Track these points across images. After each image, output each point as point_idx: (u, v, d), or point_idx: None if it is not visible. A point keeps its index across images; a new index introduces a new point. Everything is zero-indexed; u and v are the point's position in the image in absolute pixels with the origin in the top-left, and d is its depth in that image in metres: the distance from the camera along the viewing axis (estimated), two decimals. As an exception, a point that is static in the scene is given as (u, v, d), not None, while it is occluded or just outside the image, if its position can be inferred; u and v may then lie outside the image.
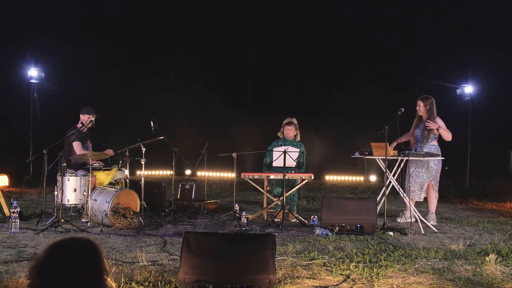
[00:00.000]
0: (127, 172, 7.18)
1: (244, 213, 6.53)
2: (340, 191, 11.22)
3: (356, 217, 6.05)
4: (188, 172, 12.91)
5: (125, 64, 13.54)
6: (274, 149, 6.93)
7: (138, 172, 11.33)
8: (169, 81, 14.24)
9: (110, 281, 2.07)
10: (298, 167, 7.08)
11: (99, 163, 6.94)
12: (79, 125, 7.00)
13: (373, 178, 13.02)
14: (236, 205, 7.09)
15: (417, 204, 7.21)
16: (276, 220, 6.71)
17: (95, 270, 2.03)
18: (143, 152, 7.03)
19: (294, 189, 6.92)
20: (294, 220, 6.86)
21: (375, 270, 4.29)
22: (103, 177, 6.92)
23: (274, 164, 6.88)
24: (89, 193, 6.37)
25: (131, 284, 3.79)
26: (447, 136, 6.83)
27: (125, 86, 13.63)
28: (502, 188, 10.30)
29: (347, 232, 5.95)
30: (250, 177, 6.90)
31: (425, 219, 6.67)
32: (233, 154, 7.03)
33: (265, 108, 14.20)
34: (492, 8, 12.47)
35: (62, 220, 6.07)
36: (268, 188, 7.15)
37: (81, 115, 7.07)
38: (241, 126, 13.95)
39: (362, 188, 11.49)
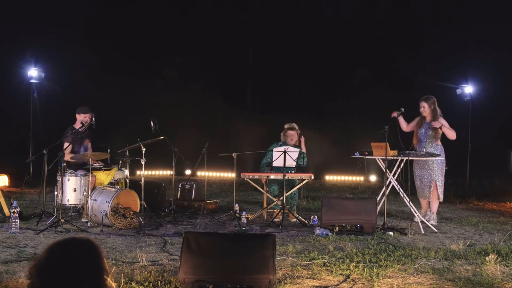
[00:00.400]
0: (127, 172, 7.17)
1: (244, 213, 6.54)
2: (340, 191, 11.22)
3: (356, 217, 6.05)
4: (188, 172, 12.90)
5: (125, 64, 13.53)
6: (274, 149, 6.93)
7: (138, 172, 11.33)
8: (169, 81, 14.23)
9: (110, 281, 2.07)
10: (298, 169, 7.09)
11: (99, 163, 6.94)
12: (78, 125, 7.00)
13: (373, 178, 13.01)
14: (236, 205, 7.09)
15: (417, 204, 7.21)
16: (276, 220, 6.71)
17: (95, 270, 2.03)
18: (143, 152, 7.03)
19: (294, 189, 6.91)
20: (294, 220, 6.86)
21: (375, 270, 4.29)
22: (103, 177, 6.92)
23: (274, 164, 6.88)
24: (89, 193, 6.37)
25: (131, 284, 3.79)
26: (451, 134, 6.86)
27: (125, 86, 13.62)
28: (502, 188, 10.30)
29: (347, 232, 5.95)
30: (250, 177, 6.90)
31: (425, 218, 6.67)
32: (233, 154, 7.03)
33: (265, 108, 14.20)
34: (492, 8, 12.46)
35: (62, 220, 6.07)
36: (267, 189, 7.15)
37: (77, 115, 7.06)
38: (241, 126, 13.94)
39: (362, 188, 11.49)
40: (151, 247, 5.11)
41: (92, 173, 6.55)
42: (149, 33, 14.25)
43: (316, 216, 6.62)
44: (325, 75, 14.29)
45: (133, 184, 7.18)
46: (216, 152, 7.52)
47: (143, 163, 7.10)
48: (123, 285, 3.77)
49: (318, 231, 5.91)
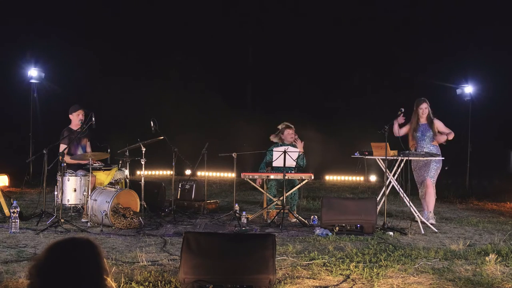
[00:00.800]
0: (127, 172, 7.17)
1: (244, 213, 6.54)
2: (340, 191, 11.22)
3: (356, 217, 6.05)
4: (188, 172, 12.91)
5: (125, 64, 13.54)
6: (274, 149, 6.92)
7: (138, 172, 11.33)
8: (169, 81, 14.24)
9: (110, 281, 2.07)
10: (298, 169, 7.09)
11: (99, 163, 6.94)
12: (74, 125, 7.00)
13: (373, 178, 13.02)
14: (236, 205, 7.09)
15: (418, 204, 7.21)
16: (275, 220, 6.71)
17: (95, 270, 2.03)
18: (143, 152, 7.03)
19: (294, 189, 6.91)
20: (294, 220, 6.86)
21: (375, 270, 4.29)
22: (103, 177, 6.92)
23: (274, 164, 6.88)
24: (89, 193, 6.37)
25: (131, 284, 3.79)
26: (451, 136, 6.93)
27: (125, 86, 13.63)
28: (502, 188, 10.30)
29: (347, 232, 5.95)
30: (250, 177, 6.90)
31: (424, 218, 6.67)
32: (233, 154, 7.03)
33: (265, 108, 14.20)
34: (492, 8, 12.46)
35: (62, 220, 6.07)
36: (266, 188, 7.14)
37: (70, 116, 7.05)
38: (241, 126, 13.95)
39: (362, 188, 11.49)
40: (151, 247, 5.11)
41: (92, 173, 6.55)
42: (149, 33, 14.25)
43: (316, 216, 6.62)
44: (325, 75, 14.29)
45: (133, 184, 7.18)
46: (216, 152, 7.52)
47: (143, 163, 7.10)
48: (123, 285, 3.77)
49: (318, 231, 5.91)
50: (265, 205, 7.18)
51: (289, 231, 6.17)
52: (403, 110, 6.79)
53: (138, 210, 6.46)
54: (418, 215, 6.51)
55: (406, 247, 5.23)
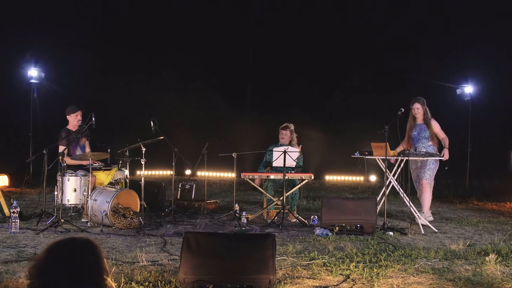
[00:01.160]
0: (127, 172, 7.17)
1: (244, 213, 6.54)
2: (340, 191, 11.22)
3: (356, 217, 6.05)
4: (188, 172, 12.91)
5: (125, 64, 13.53)
6: (274, 149, 6.93)
7: (138, 172, 11.33)
8: (169, 81, 14.23)
9: (110, 281, 2.07)
10: (296, 169, 7.09)
11: (99, 163, 6.94)
12: (71, 126, 7.00)
13: (373, 178, 13.01)
14: (236, 205, 7.09)
15: (418, 204, 7.21)
16: (275, 220, 6.71)
17: (95, 270, 2.03)
18: (143, 152, 7.04)
19: (294, 189, 6.91)
20: (294, 220, 6.86)
21: (375, 270, 4.29)
22: (103, 177, 6.92)
23: (274, 164, 6.88)
24: (89, 193, 6.37)
25: (131, 284, 3.79)
26: (445, 142, 6.94)
27: (125, 86, 13.63)
28: (502, 188, 10.30)
29: (347, 232, 5.95)
30: (250, 177, 6.90)
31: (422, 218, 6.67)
32: (233, 154, 7.03)
33: (266, 108, 14.20)
34: (492, 8, 12.46)
35: (62, 220, 6.07)
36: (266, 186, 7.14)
37: (67, 117, 7.04)
38: (241, 126, 13.94)
39: (362, 188, 11.49)
40: (151, 247, 5.11)
41: (92, 173, 6.55)
42: (149, 33, 14.25)
43: (316, 216, 6.62)
44: (325, 75, 14.29)
45: (133, 184, 7.18)
46: (216, 152, 7.52)
47: (143, 163, 7.10)
48: (123, 285, 3.77)
49: (318, 231, 5.91)
50: (265, 205, 7.18)
51: (289, 231, 6.17)
52: (403, 110, 6.77)
53: (138, 210, 6.46)
54: (418, 215, 6.51)
55: (406, 247, 5.23)
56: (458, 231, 6.40)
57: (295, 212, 7.02)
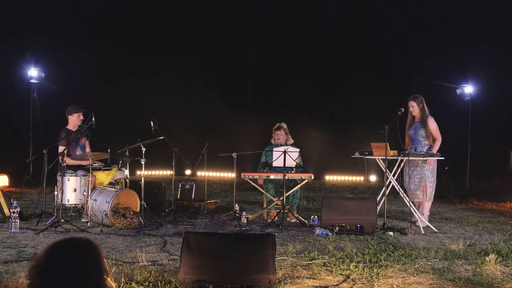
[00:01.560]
0: (127, 172, 7.17)
1: (244, 213, 6.54)
2: (340, 191, 11.22)
3: (356, 217, 6.05)
4: (188, 172, 12.91)
5: (125, 63, 13.53)
6: (274, 149, 6.92)
7: (138, 172, 11.33)
8: (169, 81, 14.23)
9: (110, 281, 2.07)
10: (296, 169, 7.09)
11: (99, 163, 6.94)
12: (72, 127, 7.00)
13: (373, 178, 13.02)
14: (236, 205, 7.09)
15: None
16: (275, 220, 6.71)
17: (95, 270, 2.03)
18: (143, 152, 7.04)
19: (294, 189, 6.91)
20: (294, 220, 6.86)
21: (375, 270, 4.29)
22: (103, 177, 6.92)
23: (274, 164, 6.88)
24: (89, 193, 6.37)
25: (131, 284, 3.79)
26: (436, 144, 6.84)
27: (125, 86, 13.63)
28: (502, 188, 10.30)
29: (347, 232, 5.95)
30: (250, 177, 6.90)
31: (416, 220, 6.65)
32: (233, 154, 7.03)
33: (265, 108, 14.20)
34: (492, 8, 12.46)
35: (62, 220, 6.07)
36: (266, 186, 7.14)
37: (69, 117, 7.04)
38: (241, 126, 13.94)
39: (362, 188, 11.49)
40: (151, 247, 5.11)
41: (92, 173, 6.54)
42: (149, 33, 14.24)
43: (316, 216, 6.62)
44: (325, 75, 14.29)
45: (133, 184, 7.18)
46: (216, 152, 7.52)
47: (143, 163, 7.10)
48: (123, 285, 3.77)
49: (318, 231, 5.91)
50: (265, 205, 7.18)
51: (289, 231, 6.17)
52: (403, 110, 6.77)
53: (138, 210, 6.47)
54: (418, 215, 6.51)
55: (406, 247, 5.23)
56: (458, 231, 6.40)
57: (295, 212, 7.02)
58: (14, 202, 5.76)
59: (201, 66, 14.36)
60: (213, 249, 3.71)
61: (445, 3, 13.18)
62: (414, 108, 6.90)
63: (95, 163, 6.79)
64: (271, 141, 7.44)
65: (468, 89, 12.11)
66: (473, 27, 12.43)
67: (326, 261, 4.60)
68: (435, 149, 6.76)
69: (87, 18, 13.68)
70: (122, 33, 13.90)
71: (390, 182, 6.77)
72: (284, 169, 6.63)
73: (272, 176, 6.87)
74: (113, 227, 6.06)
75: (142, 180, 7.03)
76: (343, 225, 6.07)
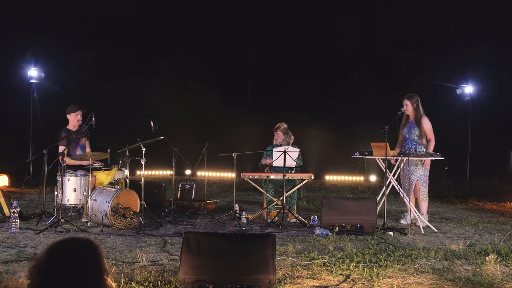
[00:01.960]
0: (127, 172, 7.17)
1: (244, 213, 6.54)
2: (340, 191, 11.22)
3: (356, 217, 6.05)
4: (188, 172, 12.91)
5: (125, 63, 13.54)
6: (274, 149, 6.92)
7: (138, 172, 11.33)
8: (169, 81, 14.24)
9: (110, 281, 2.07)
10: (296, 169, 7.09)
11: (99, 163, 6.94)
12: (72, 126, 7.00)
13: (373, 178, 13.02)
14: (236, 205, 7.09)
15: (417, 204, 7.21)
16: (275, 220, 6.71)
17: (95, 270, 2.03)
18: (143, 152, 7.03)
19: (294, 189, 6.91)
20: (294, 220, 6.86)
21: (375, 270, 4.29)
22: (103, 177, 6.92)
23: (274, 164, 6.88)
24: (89, 193, 6.37)
25: (131, 284, 3.79)
26: (430, 145, 6.81)
27: (125, 86, 13.63)
28: (502, 188, 10.30)
29: (347, 232, 5.95)
30: (250, 177, 6.90)
31: (413, 219, 6.64)
32: (233, 154, 7.03)
33: (265, 108, 14.21)
34: (492, 8, 12.47)
35: (62, 220, 6.07)
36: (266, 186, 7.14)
37: (68, 116, 7.04)
38: (241, 126, 13.95)
39: (362, 188, 11.49)
40: (151, 247, 5.11)
41: (92, 173, 6.54)
42: (149, 33, 14.25)
43: (316, 216, 6.62)
44: (325, 75, 14.30)
45: (133, 184, 7.18)
46: (216, 152, 7.52)
47: (143, 163, 7.10)
48: (123, 285, 3.77)
49: (318, 231, 5.91)
50: (265, 205, 7.18)
51: (289, 231, 6.17)
52: (402, 110, 6.79)
53: (138, 210, 6.46)
54: (418, 215, 6.51)
55: (406, 247, 5.23)
56: (458, 231, 6.40)
57: (295, 212, 7.02)
58: (14, 202, 5.76)
59: (201, 66, 14.36)
60: (213, 249, 3.71)
61: (445, 3, 13.18)
62: (408, 107, 6.86)
63: (95, 163, 6.79)
64: (273, 141, 7.43)
65: (468, 89, 12.11)
66: (473, 27, 12.43)
67: (326, 261, 4.60)
68: (431, 150, 6.77)
69: (87, 18, 13.68)
70: (122, 33, 13.90)
71: (390, 182, 6.77)
72: (284, 169, 6.63)
73: (272, 176, 6.87)
74: (113, 227, 6.06)
75: (142, 180, 7.03)
76: (343, 225, 6.07)
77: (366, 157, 6.83)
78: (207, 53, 14.70)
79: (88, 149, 7.16)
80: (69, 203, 6.56)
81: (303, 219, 6.70)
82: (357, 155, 6.96)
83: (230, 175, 13.70)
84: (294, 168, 7.03)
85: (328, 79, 14.29)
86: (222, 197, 9.47)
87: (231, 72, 15.11)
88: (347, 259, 4.64)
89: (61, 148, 6.67)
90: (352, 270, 4.28)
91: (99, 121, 6.77)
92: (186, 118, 13.76)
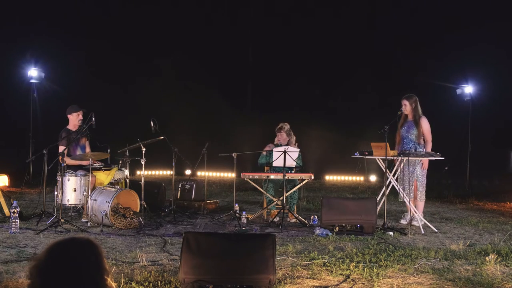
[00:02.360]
0: (127, 172, 7.17)
1: (244, 213, 6.54)
2: (340, 191, 11.22)
3: (356, 217, 6.05)
4: (188, 172, 12.91)
5: (125, 63, 13.54)
6: (274, 149, 6.92)
7: (138, 172, 11.33)
8: (169, 81, 14.24)
9: (110, 281, 2.07)
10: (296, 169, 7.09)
11: (99, 163, 6.94)
12: (72, 126, 7.00)
13: (373, 178, 13.02)
14: (236, 205, 7.08)
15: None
16: (275, 220, 6.71)
17: (95, 270, 2.03)
18: (143, 152, 7.03)
19: (294, 189, 6.91)
20: (294, 220, 6.86)
21: (375, 270, 4.29)
22: (103, 177, 6.92)
23: (274, 164, 6.88)
24: (89, 193, 6.37)
25: (131, 284, 3.79)
26: (428, 146, 6.82)
27: (125, 86, 13.63)
28: (502, 188, 10.30)
29: (347, 232, 5.95)
30: (250, 177, 6.89)
31: (412, 219, 6.64)
32: (233, 154, 7.03)
33: (265, 108, 14.21)
34: (492, 8, 12.47)
35: (62, 220, 6.07)
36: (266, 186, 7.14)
37: (68, 116, 7.04)
38: (241, 126, 13.94)
39: (362, 188, 11.49)
40: (151, 247, 5.11)
41: (92, 173, 6.54)
42: (149, 33, 14.25)
43: (316, 216, 6.62)
44: (325, 75, 14.30)
45: (133, 184, 7.18)
46: (216, 152, 7.52)
47: (143, 163, 7.10)
48: (123, 285, 3.77)
49: (318, 231, 5.91)
50: (265, 205, 7.18)
51: (289, 231, 6.17)
52: (402, 109, 6.79)
53: (138, 210, 6.46)
54: (418, 215, 6.51)
55: (406, 247, 5.23)
56: (458, 231, 6.40)
57: (295, 212, 7.02)
58: (14, 202, 5.76)
59: (201, 66, 14.36)
60: (213, 249, 3.71)
61: (445, 3, 13.18)
62: (406, 107, 6.87)
63: (95, 163, 6.79)
64: (274, 140, 7.42)
65: (468, 89, 12.11)
66: (473, 27, 12.43)
67: (326, 261, 4.60)
68: (428, 146, 6.79)
69: (87, 18, 13.68)
70: (122, 33, 13.90)
71: (390, 182, 6.77)
72: (284, 169, 6.63)
73: (272, 176, 6.87)
74: (113, 227, 6.06)
75: (142, 180, 7.03)
76: (343, 225, 6.07)
77: (366, 157, 6.83)
78: (207, 53, 14.70)
79: (88, 149, 7.16)
80: (69, 203, 6.56)
81: (303, 219, 6.70)
82: (357, 155, 6.97)
83: (230, 175, 13.70)
84: (294, 168, 7.03)
85: (328, 79, 14.29)
86: (222, 197, 9.47)
87: (231, 72, 15.11)
88: (347, 259, 4.64)
89: (61, 148, 6.67)
90: (352, 270, 4.28)
91: (99, 121, 6.77)
92: (186, 118, 13.76)
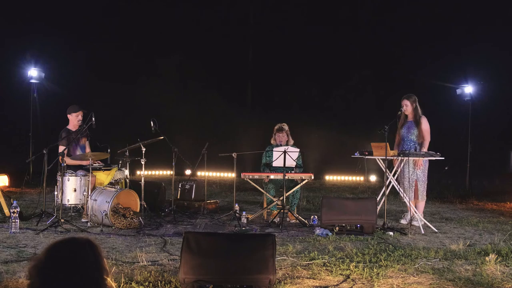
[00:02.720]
0: (127, 172, 7.17)
1: (244, 213, 6.54)
2: (340, 191, 11.22)
3: (356, 217, 6.05)
4: (188, 172, 12.91)
5: (125, 63, 13.54)
6: (274, 149, 6.92)
7: (138, 172, 11.33)
8: (169, 81, 14.24)
9: (110, 281, 2.07)
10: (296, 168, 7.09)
11: (99, 163, 6.94)
12: (72, 126, 7.00)
13: (373, 178, 13.02)
14: (236, 205, 7.08)
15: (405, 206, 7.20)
16: (275, 220, 6.71)
17: (95, 270, 2.03)
18: (143, 152, 7.03)
19: (294, 189, 6.91)
20: (294, 220, 6.85)
21: (375, 270, 4.29)
22: (103, 177, 6.92)
23: (274, 164, 6.88)
24: (89, 193, 6.37)
25: (131, 284, 3.79)
26: (425, 144, 6.82)
27: (125, 85, 13.64)
28: (502, 188, 10.30)
29: (347, 232, 5.95)
30: (250, 177, 6.89)
31: (412, 219, 6.64)
32: (233, 154, 7.03)
33: (265, 108, 14.21)
34: (492, 8, 12.47)
35: (62, 220, 6.07)
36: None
37: (68, 116, 7.04)
38: (241, 126, 13.95)
39: (362, 188, 11.49)
40: (151, 247, 5.11)
41: (92, 173, 6.54)
42: (150, 33, 14.26)
43: (316, 216, 6.62)
44: (325, 75, 14.31)
45: (133, 184, 7.18)
46: (216, 152, 7.52)
47: (143, 163, 7.10)
48: (123, 285, 3.77)
49: (318, 231, 5.91)
50: (265, 205, 7.18)
51: (289, 231, 6.17)
52: (402, 110, 6.79)
53: (138, 210, 6.46)
54: (418, 215, 6.51)
55: (406, 247, 5.23)
56: (458, 231, 6.40)
57: (295, 212, 7.02)
58: (14, 202, 5.76)
59: (201, 66, 14.36)
60: (213, 249, 3.71)
61: (445, 3, 13.18)
62: (408, 107, 6.87)
63: (95, 163, 6.79)
64: (271, 141, 7.43)
65: (468, 89, 12.11)
66: (473, 27, 12.43)
67: (326, 261, 4.60)
68: (424, 150, 6.78)
69: (87, 18, 13.68)
70: (122, 33, 13.90)
71: (390, 182, 6.77)
72: (284, 169, 6.63)
73: (272, 176, 6.87)
74: (113, 227, 6.06)
75: (142, 180, 7.03)
76: (343, 225, 6.07)
77: (366, 157, 6.83)
78: (207, 53, 14.71)
79: (88, 149, 7.16)
80: (69, 203, 6.56)
81: (303, 219, 6.70)
82: (357, 155, 6.97)
83: (230, 175, 13.70)
84: (295, 168, 7.03)
85: (328, 79, 14.30)
86: (222, 197, 9.47)
87: (231, 72, 15.11)
88: (347, 259, 4.64)
89: (61, 148, 6.67)
90: (352, 270, 4.28)
91: (99, 121, 6.77)
92: (186, 118, 13.77)
